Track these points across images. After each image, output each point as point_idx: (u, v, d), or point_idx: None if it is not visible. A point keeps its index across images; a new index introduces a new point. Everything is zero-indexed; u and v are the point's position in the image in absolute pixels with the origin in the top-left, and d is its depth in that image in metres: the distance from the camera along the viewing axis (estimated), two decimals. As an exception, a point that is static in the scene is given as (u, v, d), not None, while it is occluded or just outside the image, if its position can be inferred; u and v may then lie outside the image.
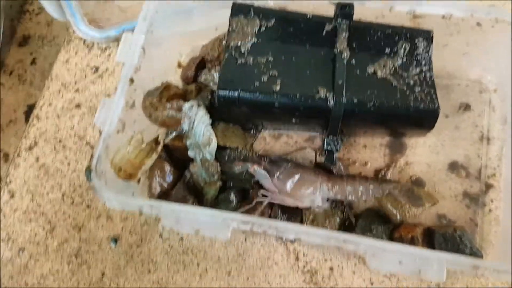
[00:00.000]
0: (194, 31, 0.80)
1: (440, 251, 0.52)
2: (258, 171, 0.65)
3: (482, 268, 0.50)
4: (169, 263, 0.69)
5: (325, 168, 0.68)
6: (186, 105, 0.65)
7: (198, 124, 0.65)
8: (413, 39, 0.65)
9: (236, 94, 0.62)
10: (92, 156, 0.59)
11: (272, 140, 0.74)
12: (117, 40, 0.85)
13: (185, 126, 0.66)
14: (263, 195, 0.65)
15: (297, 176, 0.64)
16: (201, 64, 0.77)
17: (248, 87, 0.62)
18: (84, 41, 0.88)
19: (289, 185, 0.64)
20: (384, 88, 0.62)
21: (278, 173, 0.64)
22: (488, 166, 0.69)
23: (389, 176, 0.69)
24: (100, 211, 0.73)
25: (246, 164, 0.66)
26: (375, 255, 0.53)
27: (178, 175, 0.69)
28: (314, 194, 0.63)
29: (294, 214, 0.66)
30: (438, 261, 0.51)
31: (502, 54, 0.68)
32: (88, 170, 0.57)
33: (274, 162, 0.66)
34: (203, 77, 0.76)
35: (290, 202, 0.64)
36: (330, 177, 0.65)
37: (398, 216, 0.64)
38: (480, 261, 0.51)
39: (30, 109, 0.92)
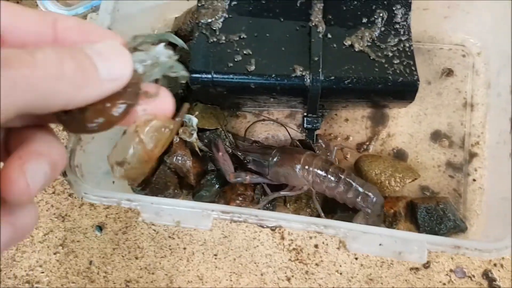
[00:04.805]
0: (165, 3, 0.77)
1: (420, 234, 0.52)
2: (253, 180, 0.65)
3: (463, 248, 0.50)
4: (156, 248, 0.69)
5: (306, 145, 0.67)
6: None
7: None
8: (391, 6, 0.63)
9: (209, 76, 0.60)
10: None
11: (253, 118, 0.73)
12: (85, 17, 0.81)
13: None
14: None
15: (285, 169, 0.62)
16: (174, 40, 0.74)
17: (222, 69, 0.60)
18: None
19: (280, 178, 0.63)
20: (361, 62, 0.60)
21: (266, 168, 0.63)
22: (472, 133, 0.68)
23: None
24: (82, 199, 0.72)
25: (240, 174, 0.64)
26: (355, 239, 0.52)
27: (158, 161, 0.68)
28: (305, 180, 0.62)
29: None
30: (419, 243, 0.51)
31: (485, 16, 0.66)
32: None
33: (258, 162, 0.64)
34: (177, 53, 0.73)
35: (284, 192, 0.64)
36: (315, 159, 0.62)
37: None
38: (461, 241, 0.50)
39: None
